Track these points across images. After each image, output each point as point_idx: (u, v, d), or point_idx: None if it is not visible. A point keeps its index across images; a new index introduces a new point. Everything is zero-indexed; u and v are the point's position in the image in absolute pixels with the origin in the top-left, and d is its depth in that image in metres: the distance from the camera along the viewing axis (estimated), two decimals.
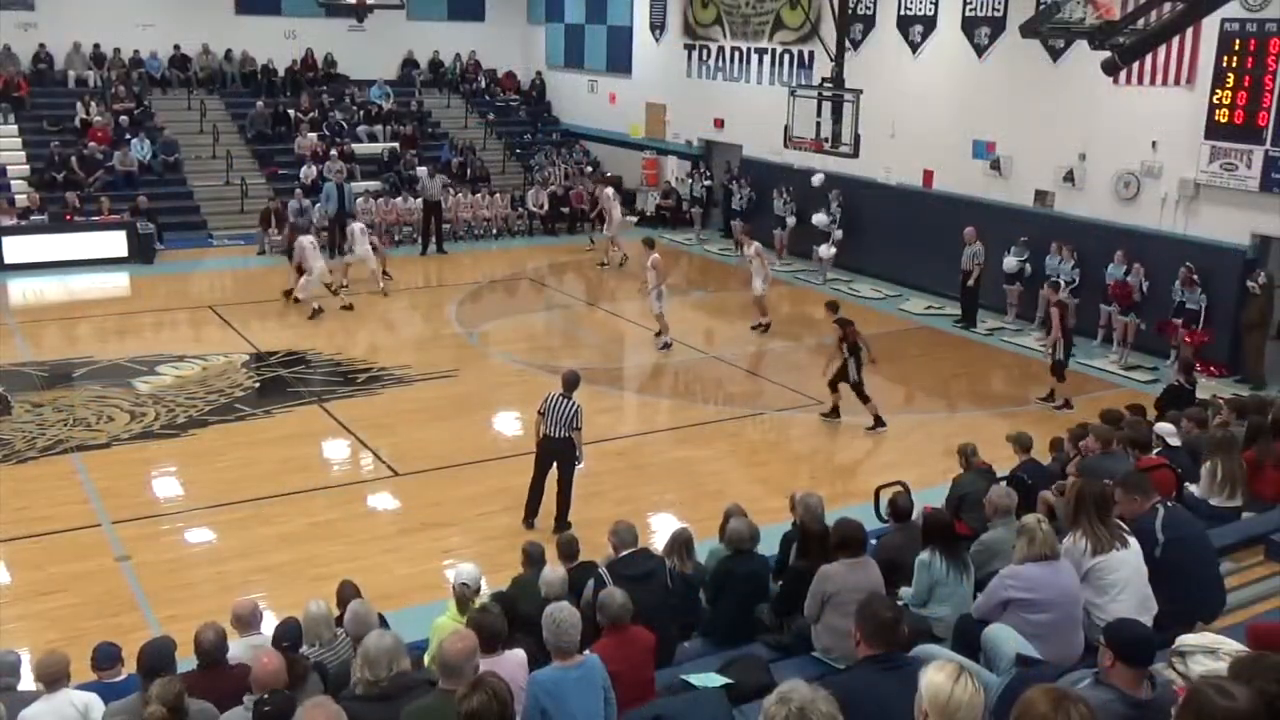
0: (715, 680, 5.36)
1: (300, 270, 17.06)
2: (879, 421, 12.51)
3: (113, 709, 5.12)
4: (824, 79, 16.76)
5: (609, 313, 17.88)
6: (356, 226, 18.10)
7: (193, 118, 24.08)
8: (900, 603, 6.25)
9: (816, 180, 19.28)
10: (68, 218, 20.08)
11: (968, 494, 7.84)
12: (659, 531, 9.43)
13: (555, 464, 9.75)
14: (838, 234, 19.52)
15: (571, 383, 9.80)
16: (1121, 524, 5.71)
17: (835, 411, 12.81)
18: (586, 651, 5.03)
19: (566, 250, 22.19)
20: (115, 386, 13.31)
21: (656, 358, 15.42)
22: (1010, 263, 16.60)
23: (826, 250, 19.46)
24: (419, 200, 22.01)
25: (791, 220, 20.74)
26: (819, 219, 19.77)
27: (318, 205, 20.99)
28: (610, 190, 21.74)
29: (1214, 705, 3.26)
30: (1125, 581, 5.43)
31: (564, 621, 4.90)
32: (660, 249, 16.84)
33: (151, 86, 24.37)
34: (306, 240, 17.00)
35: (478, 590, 6.48)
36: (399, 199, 22.48)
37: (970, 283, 16.77)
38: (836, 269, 19.84)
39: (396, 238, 21.83)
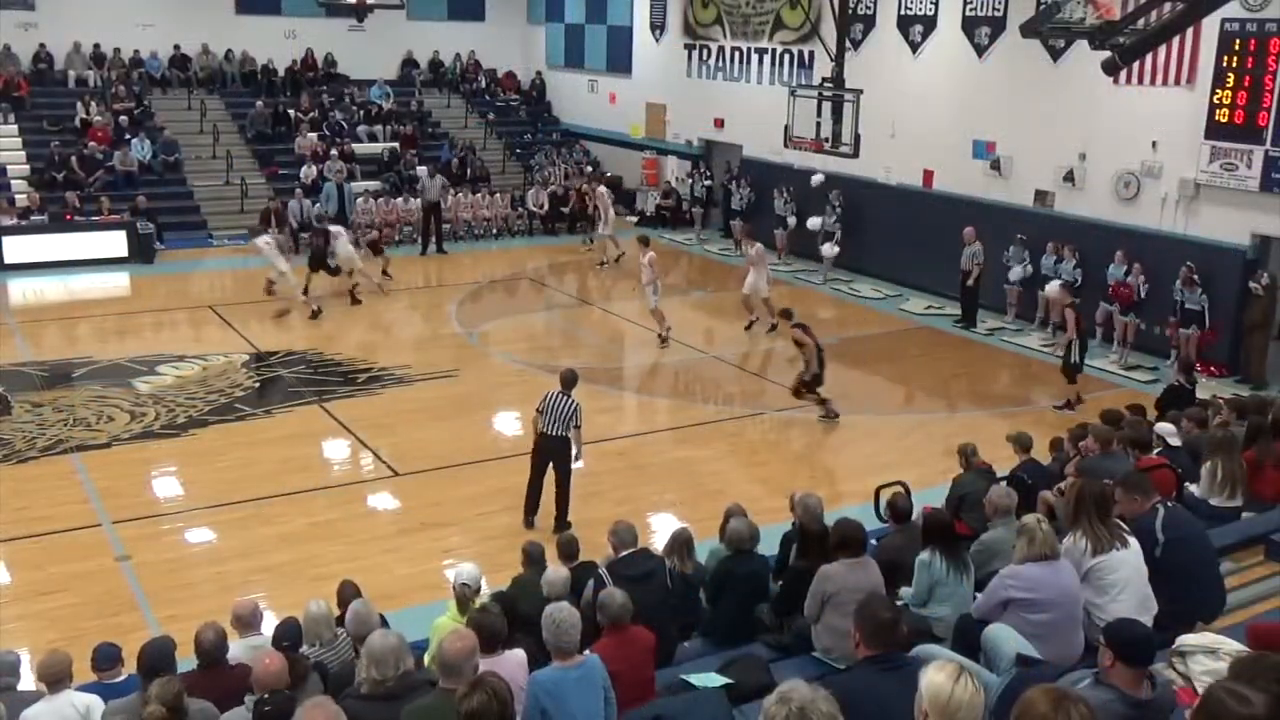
0: (715, 680, 5.36)
1: (326, 269, 17.23)
2: (803, 395, 12.84)
3: (112, 708, 5.12)
4: (824, 79, 16.76)
5: (608, 312, 17.87)
6: (266, 240, 17.14)
7: (193, 118, 24.08)
8: (900, 603, 6.27)
9: (816, 180, 19.28)
10: (68, 218, 20.07)
11: (968, 494, 7.85)
12: (659, 531, 9.43)
13: (552, 463, 9.73)
14: (838, 234, 19.51)
15: (570, 381, 9.81)
16: (1121, 524, 5.71)
17: (829, 411, 12.84)
18: (587, 651, 5.03)
19: (566, 250, 22.19)
20: (115, 386, 13.31)
21: (657, 357, 15.43)
22: (1016, 271, 16.56)
23: (830, 249, 19.42)
24: (419, 200, 22.02)
25: (792, 220, 20.73)
26: (813, 223, 19.68)
27: (318, 205, 21.03)
28: (604, 189, 21.77)
29: (1231, 711, 3.23)
30: (1125, 581, 5.43)
31: (564, 622, 4.90)
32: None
33: (151, 86, 24.37)
34: (262, 241, 16.73)
35: (478, 590, 6.48)
36: (399, 199, 22.49)
37: (970, 283, 16.78)
38: (836, 269, 19.84)
39: (397, 238, 21.84)
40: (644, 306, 15.97)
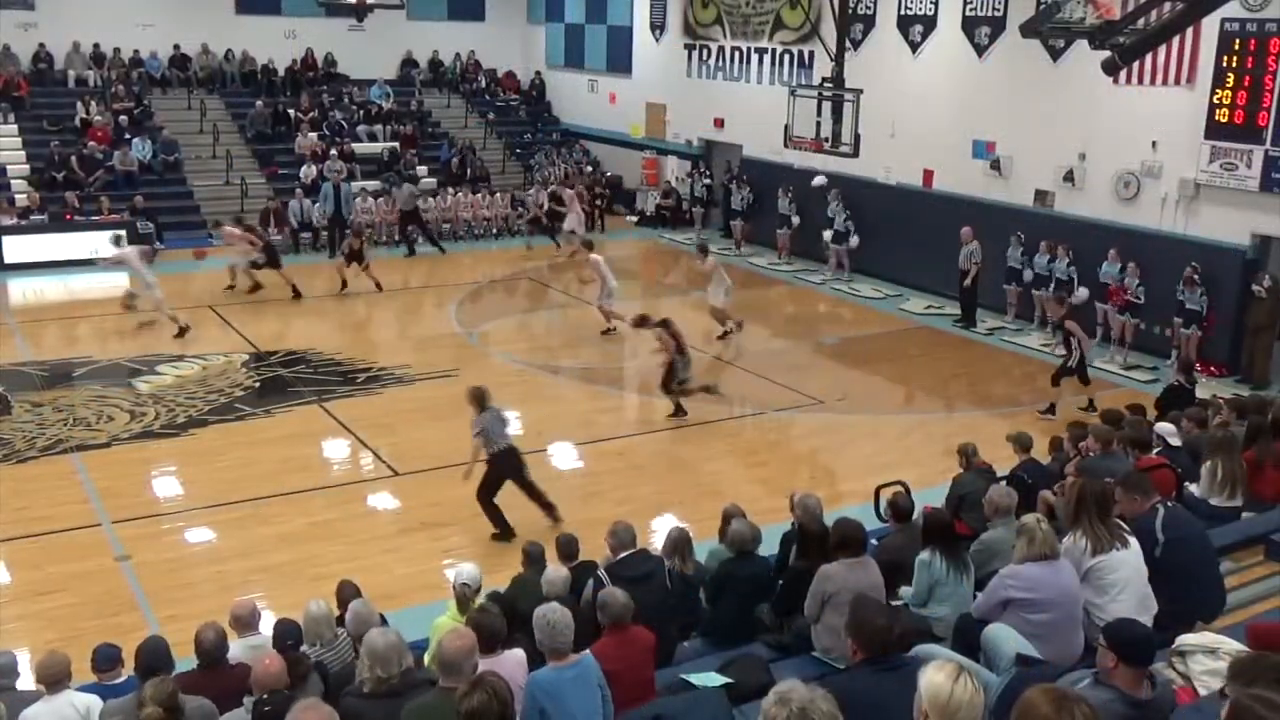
0: (715, 680, 5.36)
1: (263, 266, 17.28)
2: (679, 410, 12.69)
3: (109, 708, 5.11)
4: (824, 79, 16.75)
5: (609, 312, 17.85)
6: (133, 250, 16.27)
7: (193, 118, 24.07)
8: (900, 602, 6.28)
9: (818, 182, 19.28)
10: (68, 218, 20.08)
11: (968, 494, 7.84)
12: (658, 531, 9.41)
13: (510, 480, 9.53)
14: (852, 229, 19.53)
15: (482, 397, 9.54)
16: (1122, 524, 5.71)
17: (680, 410, 12.72)
18: (586, 651, 5.03)
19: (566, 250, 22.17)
20: (115, 386, 13.31)
21: (657, 358, 15.39)
22: (1028, 274, 16.38)
23: (853, 241, 19.36)
24: (419, 200, 22.14)
25: (796, 220, 20.72)
26: (829, 236, 19.66)
27: (316, 205, 21.04)
28: (571, 192, 21.93)
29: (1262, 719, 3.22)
30: (1125, 581, 5.43)
31: (558, 623, 4.90)
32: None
33: (151, 86, 24.36)
34: (132, 251, 16.05)
35: (478, 590, 6.48)
36: None
37: (967, 282, 16.77)
38: (835, 269, 19.80)
39: (396, 238, 21.87)
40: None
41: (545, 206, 22.21)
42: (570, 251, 20.33)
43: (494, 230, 23.07)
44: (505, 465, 9.54)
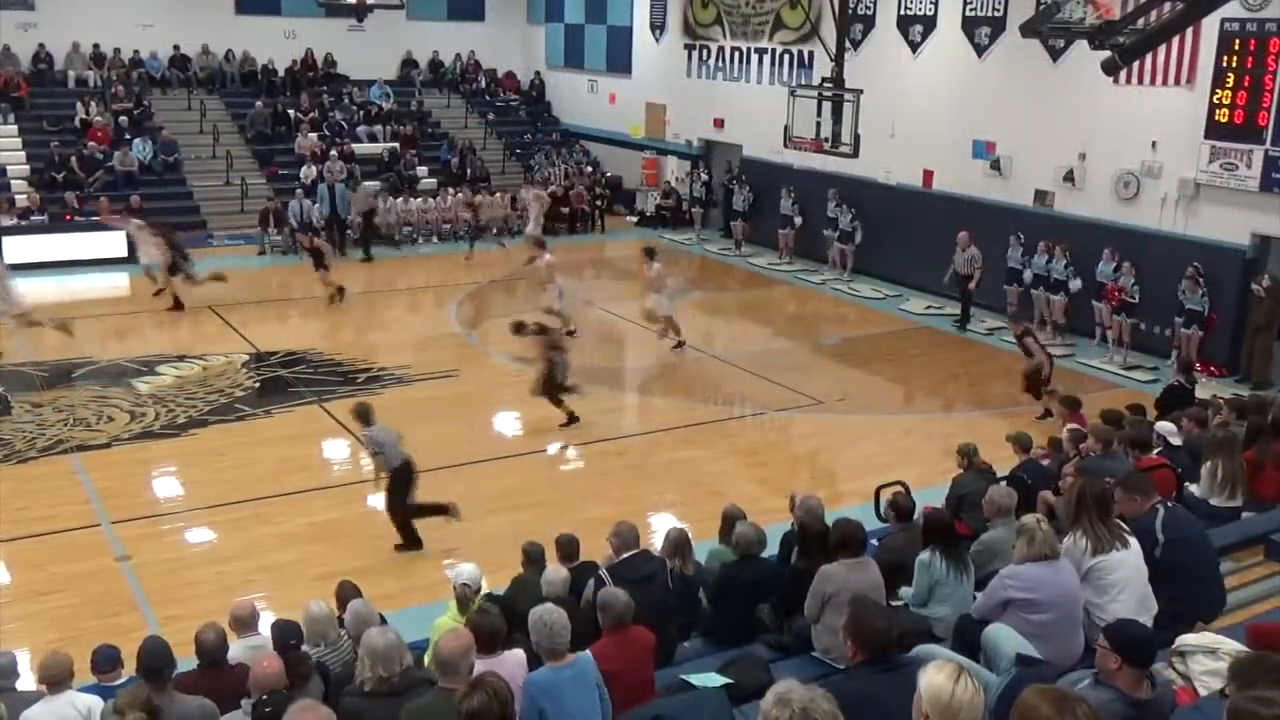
0: (715, 680, 5.36)
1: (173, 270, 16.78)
2: (572, 418, 12.28)
3: (109, 708, 5.11)
4: (824, 79, 16.77)
5: (608, 312, 17.86)
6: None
7: (193, 118, 24.06)
8: (900, 602, 6.28)
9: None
10: (68, 218, 20.09)
11: (968, 494, 7.84)
12: (659, 531, 9.41)
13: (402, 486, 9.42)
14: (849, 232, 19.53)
15: (369, 411, 9.52)
16: (1122, 524, 5.71)
17: (573, 418, 12.35)
18: (584, 651, 5.03)
19: (567, 250, 22.09)
20: (115, 386, 13.31)
21: (659, 358, 15.42)
22: (1027, 275, 16.41)
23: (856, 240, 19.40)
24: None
25: (798, 220, 20.72)
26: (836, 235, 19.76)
27: (315, 206, 21.04)
28: (538, 192, 21.99)
29: (1261, 716, 3.21)
30: (1125, 581, 5.43)
31: (555, 624, 4.89)
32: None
33: (151, 86, 24.35)
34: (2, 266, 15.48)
35: (478, 590, 6.49)
36: (398, 199, 22.50)
37: (972, 285, 16.78)
38: (839, 268, 19.81)
39: (396, 236, 21.89)
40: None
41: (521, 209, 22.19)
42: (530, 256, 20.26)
43: (493, 230, 23.02)
44: (405, 478, 9.40)
